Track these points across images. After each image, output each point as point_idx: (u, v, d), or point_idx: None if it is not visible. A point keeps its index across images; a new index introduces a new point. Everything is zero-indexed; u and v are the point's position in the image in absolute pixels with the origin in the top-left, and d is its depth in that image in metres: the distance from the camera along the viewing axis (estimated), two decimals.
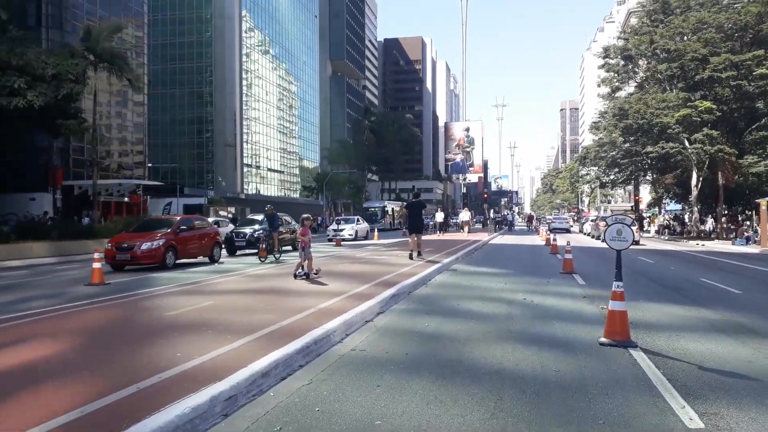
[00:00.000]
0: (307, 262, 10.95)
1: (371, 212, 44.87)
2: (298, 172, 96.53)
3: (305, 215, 11.73)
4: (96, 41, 25.94)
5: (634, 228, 29.37)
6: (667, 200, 68.59)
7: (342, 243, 27.07)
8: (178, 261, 15.23)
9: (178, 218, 16.04)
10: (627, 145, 40.76)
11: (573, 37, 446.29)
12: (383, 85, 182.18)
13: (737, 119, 36.81)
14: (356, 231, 30.20)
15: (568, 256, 14.45)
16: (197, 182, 78.32)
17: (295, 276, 10.90)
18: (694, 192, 39.22)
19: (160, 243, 14.43)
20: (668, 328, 7.37)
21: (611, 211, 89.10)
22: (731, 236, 38.81)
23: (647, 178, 47.47)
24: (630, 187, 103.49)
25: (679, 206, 64.29)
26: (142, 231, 15.57)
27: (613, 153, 43.42)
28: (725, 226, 39.29)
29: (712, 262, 19.94)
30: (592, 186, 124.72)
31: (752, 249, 27.40)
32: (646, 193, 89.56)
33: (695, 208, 40.61)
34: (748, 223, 42.75)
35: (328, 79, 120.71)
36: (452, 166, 41.48)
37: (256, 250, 19.62)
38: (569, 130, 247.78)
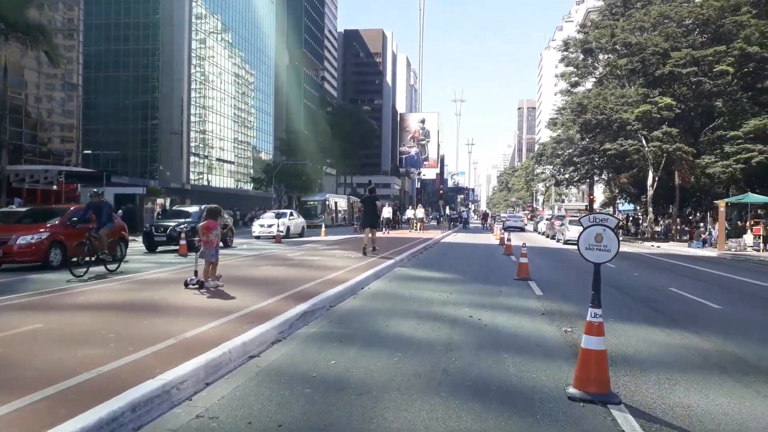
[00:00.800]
0: (205, 265, 8.79)
1: (309, 206, 41.75)
2: (251, 164, 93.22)
3: (210, 206, 9.48)
4: (7, 8, 22.83)
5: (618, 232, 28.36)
6: (621, 200, 69.02)
7: (282, 240, 24.85)
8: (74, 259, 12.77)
9: (72, 209, 13.44)
10: (585, 141, 39.83)
11: (532, 36, 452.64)
12: (343, 77, 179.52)
13: (694, 118, 36.32)
14: (288, 227, 26.50)
15: (524, 260, 12.74)
16: (141, 171, 74.24)
17: (186, 284, 8.72)
18: (650, 192, 38.64)
19: (43, 237, 11.96)
20: (654, 366, 5.61)
21: (565, 210, 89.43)
22: (684, 238, 38.47)
23: (602, 177, 46.84)
24: (584, 187, 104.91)
25: (631, 207, 64.61)
26: (27, 222, 13.04)
27: (570, 150, 42.50)
28: (679, 227, 38.87)
29: (673, 266, 18.71)
30: (547, 184, 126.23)
31: (709, 252, 26.60)
32: (599, 193, 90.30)
33: (650, 209, 40.09)
34: (702, 225, 42.63)
35: (285, 68, 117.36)
36: (407, 159, 39.56)
37: (177, 246, 17.31)
38: (526, 128, 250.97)
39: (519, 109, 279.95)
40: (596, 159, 41.20)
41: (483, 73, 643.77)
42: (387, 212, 30.32)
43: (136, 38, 75.11)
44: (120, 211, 33.16)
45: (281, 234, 25.11)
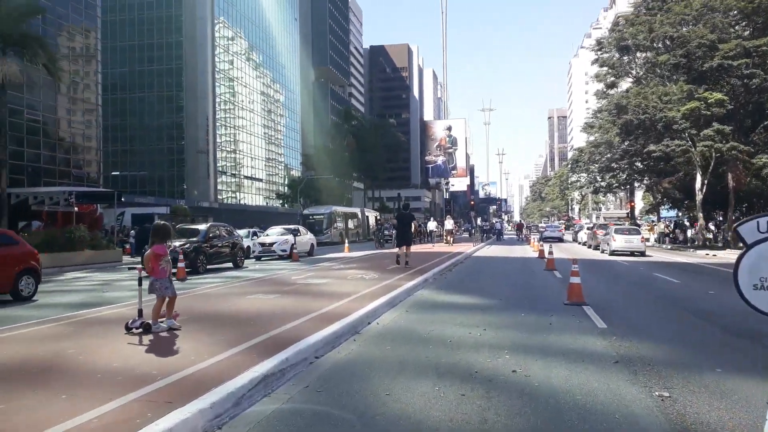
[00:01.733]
0: (156, 302, 6.67)
1: (313, 221, 37.33)
2: (280, 180, 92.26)
3: (157, 223, 7.33)
4: (2, 20, 21.63)
5: (639, 237, 25.16)
6: (664, 207, 65.15)
7: (300, 258, 22.79)
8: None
9: None
10: (625, 144, 36.87)
11: (560, 45, 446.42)
12: (370, 93, 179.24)
13: (744, 116, 33.09)
14: (291, 245, 23.03)
15: (575, 280, 10.25)
16: (168, 191, 73.80)
17: (128, 328, 6.59)
18: (699, 196, 35.41)
19: None
20: None
21: (603, 218, 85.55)
22: (741, 245, 35.06)
23: (644, 182, 43.60)
24: (622, 194, 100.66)
25: (673, 213, 60.80)
26: None
27: (609, 155, 39.55)
28: (732, 233, 35.41)
29: None
30: (583, 192, 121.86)
31: None
32: (638, 200, 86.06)
33: (700, 214, 36.74)
34: None
35: (311, 85, 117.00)
36: (433, 169, 37.22)
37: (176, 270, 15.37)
38: (557, 138, 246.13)
39: (549, 118, 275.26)
40: (638, 163, 38.16)
41: (511, 84, 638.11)
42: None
43: (160, 59, 75.11)
44: (132, 231, 31.81)
45: (284, 254, 22.77)
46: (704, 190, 35.37)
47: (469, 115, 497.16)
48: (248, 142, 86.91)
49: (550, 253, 18.22)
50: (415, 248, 26.93)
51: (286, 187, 68.58)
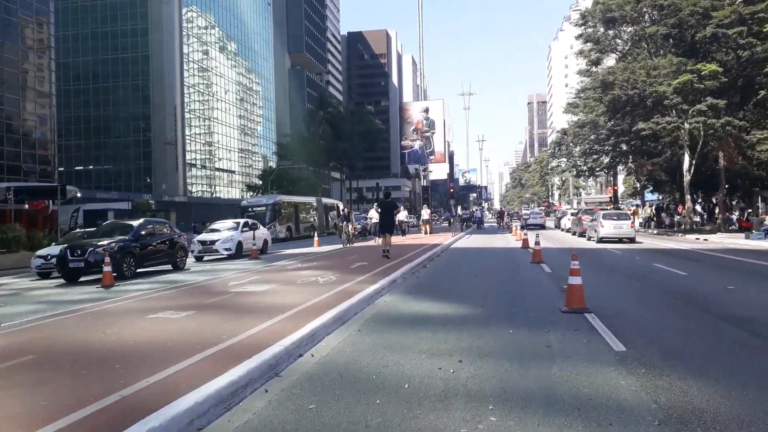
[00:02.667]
0: None
1: (253, 213, 31.47)
2: (256, 172, 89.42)
3: None
4: None
5: (629, 222, 23.34)
6: (647, 190, 63.83)
7: (259, 255, 20.47)
8: None
9: None
10: (611, 123, 35.00)
11: (539, 29, 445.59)
12: (348, 81, 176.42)
13: (735, 91, 31.42)
14: (239, 242, 20.07)
15: (575, 280, 8.12)
16: (135, 185, 70.62)
17: None
18: (686, 177, 33.79)
19: None
20: None
21: (585, 203, 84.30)
22: (731, 228, 33.53)
23: (629, 165, 41.89)
24: (601, 179, 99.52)
25: (655, 197, 59.59)
26: None
27: (594, 136, 37.68)
28: (722, 216, 33.88)
29: (756, 268, 13.99)
30: (563, 178, 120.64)
31: None
32: (619, 183, 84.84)
33: (687, 197, 35.15)
34: (742, 212, 37.62)
35: (286, 72, 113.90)
36: (410, 154, 34.89)
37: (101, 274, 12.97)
38: (537, 123, 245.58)
39: (529, 104, 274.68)
40: (623, 144, 36.37)
41: (490, 71, 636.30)
42: (376, 216, 24.86)
43: (125, 46, 71.65)
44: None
45: (228, 252, 19.76)
46: (692, 171, 33.80)
47: (448, 101, 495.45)
48: (221, 133, 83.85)
49: (537, 243, 16.16)
50: (373, 243, 24.90)
51: (257, 179, 65.82)
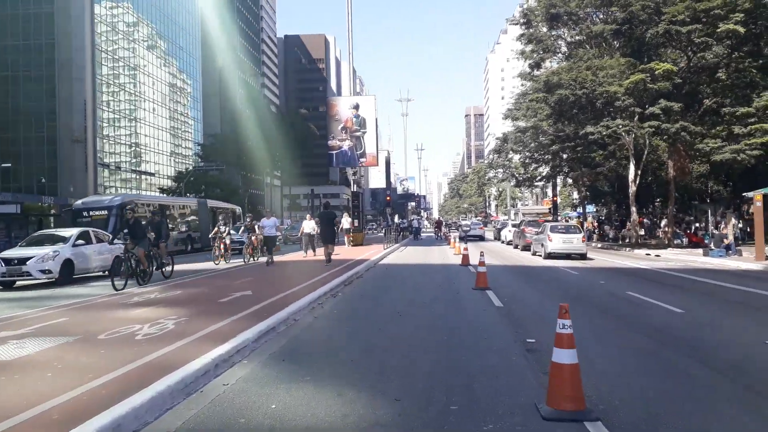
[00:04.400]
0: None
1: (89, 219, 23.44)
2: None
3: None
4: None
5: (580, 236, 20.41)
6: (586, 201, 62.64)
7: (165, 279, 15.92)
8: None
9: None
10: (556, 126, 32.41)
11: (477, 42, 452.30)
12: (285, 84, 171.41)
13: (687, 94, 29.43)
14: (66, 260, 14.32)
15: (567, 356, 4.34)
16: (38, 186, 63.17)
17: None
18: (632, 188, 31.69)
19: None
20: None
21: (523, 214, 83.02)
22: (678, 242, 31.57)
23: (570, 175, 39.63)
24: (538, 189, 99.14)
25: (590, 208, 58.49)
26: None
27: (534, 143, 35.08)
28: (671, 230, 31.88)
29: (747, 296, 10.95)
30: (500, 189, 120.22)
31: (740, 263, 19.26)
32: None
33: (633, 208, 33.05)
34: (694, 226, 35.99)
35: (217, 72, 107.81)
36: (338, 155, 30.88)
37: None
38: (474, 135, 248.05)
39: (466, 116, 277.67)
40: (569, 150, 33.91)
41: (429, 83, 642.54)
42: (309, 227, 20.89)
43: (27, 33, 64.19)
44: None
45: (46, 274, 14.04)
46: (637, 182, 31.72)
47: (387, 109, 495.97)
48: (141, 132, 77.17)
49: (481, 263, 12.53)
50: (309, 257, 20.90)
51: (171, 180, 59.97)
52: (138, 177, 76.05)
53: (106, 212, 23.21)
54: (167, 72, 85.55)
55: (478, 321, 8.25)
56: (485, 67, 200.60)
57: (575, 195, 76.85)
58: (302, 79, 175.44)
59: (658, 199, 42.31)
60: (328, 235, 17.73)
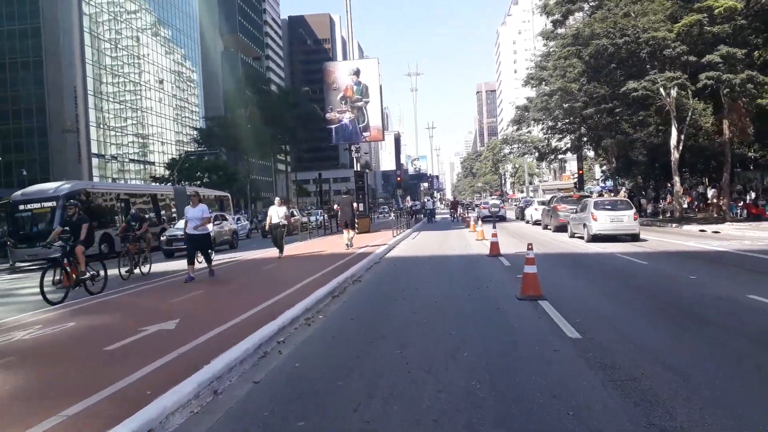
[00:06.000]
0: None
1: (31, 213, 20.03)
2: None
3: None
4: None
5: (631, 212, 16.37)
6: (604, 174, 58.05)
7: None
8: None
9: None
10: (587, 88, 28.07)
11: (486, 18, 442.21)
12: (290, 66, 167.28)
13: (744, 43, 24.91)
14: None
15: None
16: (29, 179, 60.01)
17: None
18: (675, 155, 27.36)
19: None
20: None
21: (543, 190, 78.51)
22: (739, 215, 27.33)
23: (606, 142, 35.14)
24: (555, 165, 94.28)
25: (609, 183, 54.13)
26: None
27: (565, 105, 30.67)
28: (727, 202, 27.58)
29: None
30: (516, 165, 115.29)
31: None
32: (573, 167, 79.32)
33: (676, 178, 28.75)
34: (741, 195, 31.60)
35: (219, 55, 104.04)
36: (338, 130, 26.80)
37: None
38: (486, 113, 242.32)
39: (478, 93, 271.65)
40: (605, 114, 29.53)
41: (438, 60, 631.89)
42: (277, 213, 15.81)
43: (10, 16, 60.58)
44: None
45: None
46: (680, 148, 27.41)
47: (395, 88, 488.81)
48: (137, 120, 73.76)
49: (530, 261, 8.46)
50: (290, 250, 16.98)
51: (164, 167, 56.42)
52: (138, 167, 72.79)
53: (50, 204, 19.38)
54: (166, 57, 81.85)
55: (556, 387, 4.35)
56: (496, 40, 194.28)
57: (597, 168, 72.33)
58: (308, 61, 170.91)
59: (699, 167, 37.86)
60: (349, 219, 17.87)
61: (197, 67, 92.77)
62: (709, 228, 22.32)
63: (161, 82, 78.51)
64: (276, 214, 15.53)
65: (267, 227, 16.58)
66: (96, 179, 62.61)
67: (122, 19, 70.92)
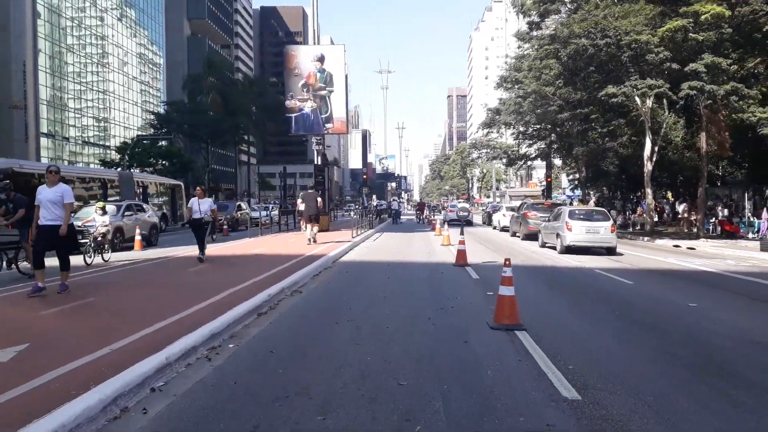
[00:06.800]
0: None
1: None
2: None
3: None
4: None
5: (608, 224, 15.02)
6: (571, 184, 57.65)
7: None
8: None
9: None
10: (562, 92, 26.83)
11: (460, 22, 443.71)
12: (260, 57, 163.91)
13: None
14: None
15: None
16: None
17: None
18: (648, 166, 26.43)
19: None
20: None
21: (510, 196, 77.80)
22: (707, 230, 26.49)
23: (578, 149, 34.04)
24: (523, 171, 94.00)
25: (576, 193, 53.67)
26: None
27: (539, 109, 29.38)
28: (701, 217, 26.73)
29: None
30: (484, 170, 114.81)
31: None
32: (540, 175, 78.91)
33: (648, 190, 27.83)
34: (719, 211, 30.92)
35: (184, 39, 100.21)
36: (297, 119, 24.70)
37: None
38: (456, 117, 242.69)
39: (449, 97, 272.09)
40: (578, 121, 28.42)
41: (410, 62, 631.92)
42: (200, 205, 12.98)
43: None
44: None
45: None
46: (653, 159, 26.51)
47: (367, 88, 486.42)
48: (92, 99, 69.94)
49: (506, 281, 6.76)
50: (227, 249, 14.88)
51: (113, 151, 53.19)
52: (96, 150, 68.93)
53: None
54: (130, 39, 78.12)
55: None
56: (469, 45, 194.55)
57: (563, 177, 72.01)
58: (278, 53, 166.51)
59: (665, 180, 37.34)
60: (312, 214, 17.98)
61: (162, 51, 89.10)
62: (683, 243, 21.33)
63: (125, 64, 74.71)
64: (197, 207, 12.81)
65: (186, 222, 14.08)
66: (45, 160, 58.85)
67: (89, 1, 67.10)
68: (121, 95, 75.52)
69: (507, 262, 6.67)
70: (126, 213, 17.64)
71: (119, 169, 36.25)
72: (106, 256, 13.18)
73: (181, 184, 32.65)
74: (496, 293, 6.71)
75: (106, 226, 13.27)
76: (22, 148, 57.06)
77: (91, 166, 64.45)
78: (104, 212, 13.49)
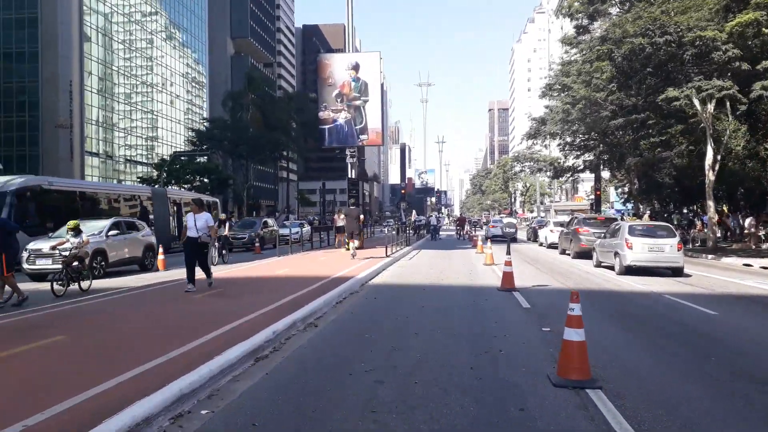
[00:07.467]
0: None
1: None
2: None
3: None
4: None
5: (675, 241, 13.13)
6: (619, 197, 54.77)
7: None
8: None
9: None
10: (614, 97, 24.81)
11: (501, 35, 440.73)
12: (302, 75, 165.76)
13: None
14: None
15: None
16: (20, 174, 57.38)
17: None
18: (710, 177, 24.04)
19: None
20: None
21: (555, 211, 74.90)
22: None
23: (629, 161, 31.72)
24: (568, 185, 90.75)
25: (624, 207, 50.81)
26: None
27: (590, 117, 27.37)
28: (763, 231, 24.21)
29: None
30: (527, 184, 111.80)
31: None
32: (586, 189, 75.81)
33: (710, 203, 25.41)
34: None
35: (228, 59, 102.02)
36: (331, 131, 23.51)
37: None
38: (498, 130, 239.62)
39: (490, 110, 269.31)
40: (631, 128, 26.32)
41: (450, 76, 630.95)
42: (196, 221, 10.87)
43: (7, 5, 58.27)
44: None
45: None
46: (716, 169, 24.13)
47: (407, 100, 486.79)
48: (136, 118, 71.27)
49: (574, 320, 5.18)
50: (245, 270, 13.61)
51: (151, 168, 53.49)
52: (140, 169, 70.09)
53: None
54: (177, 60, 79.80)
55: None
56: (510, 57, 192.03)
57: (611, 191, 68.75)
58: None
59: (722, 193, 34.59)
60: (354, 230, 18.78)
61: (205, 69, 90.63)
62: (755, 262, 18.99)
63: (171, 84, 76.08)
64: (192, 223, 10.68)
65: (181, 241, 11.36)
66: (90, 179, 59.91)
67: (121, 13, 68.66)
68: (167, 114, 76.84)
69: (575, 297, 5.05)
70: (110, 232, 15.00)
71: (156, 185, 36.12)
72: (85, 284, 11.35)
73: (218, 201, 31.97)
74: (554, 330, 5.12)
75: (77, 248, 11.28)
76: (67, 166, 58.19)
77: (135, 184, 65.35)
78: (77, 233, 11.47)
